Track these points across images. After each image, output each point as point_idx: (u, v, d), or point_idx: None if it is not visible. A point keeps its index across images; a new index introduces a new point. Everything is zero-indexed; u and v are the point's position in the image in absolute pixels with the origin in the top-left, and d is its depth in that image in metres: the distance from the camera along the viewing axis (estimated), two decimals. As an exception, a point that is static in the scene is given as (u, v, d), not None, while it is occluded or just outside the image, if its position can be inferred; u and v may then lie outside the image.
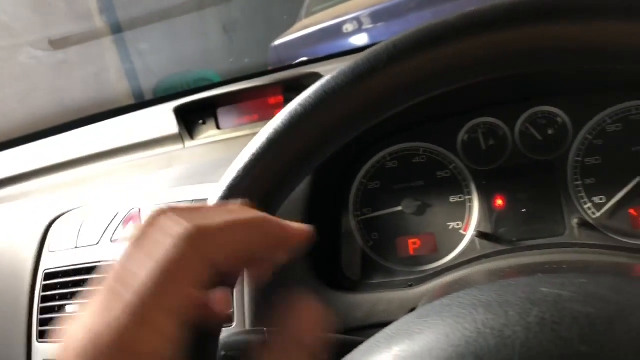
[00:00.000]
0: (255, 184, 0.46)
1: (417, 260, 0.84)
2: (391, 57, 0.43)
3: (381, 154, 0.89)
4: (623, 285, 0.40)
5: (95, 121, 1.23)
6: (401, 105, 0.46)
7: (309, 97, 0.45)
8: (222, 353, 0.61)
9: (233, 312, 0.78)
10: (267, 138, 0.45)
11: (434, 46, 0.42)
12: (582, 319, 0.34)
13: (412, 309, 0.75)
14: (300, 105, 0.45)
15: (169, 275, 0.30)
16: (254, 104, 1.06)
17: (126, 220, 0.88)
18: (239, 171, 0.46)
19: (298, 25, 2.34)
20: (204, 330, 0.45)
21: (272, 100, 1.05)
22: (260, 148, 0.46)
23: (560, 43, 0.39)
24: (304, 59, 1.55)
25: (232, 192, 0.45)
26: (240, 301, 0.77)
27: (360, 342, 0.54)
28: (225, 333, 0.62)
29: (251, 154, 0.46)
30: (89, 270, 0.88)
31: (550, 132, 0.82)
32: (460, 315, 0.40)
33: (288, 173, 0.46)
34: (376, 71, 0.43)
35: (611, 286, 0.40)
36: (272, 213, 0.48)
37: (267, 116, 1.04)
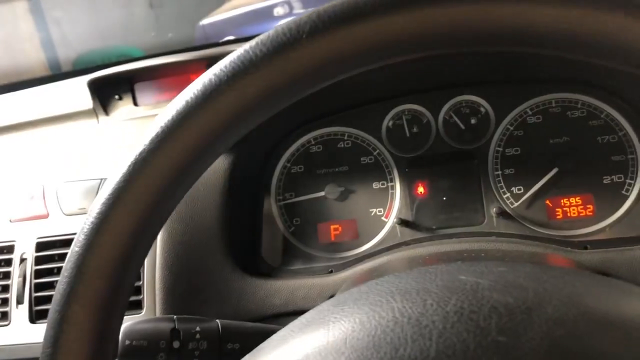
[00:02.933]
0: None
1: (338, 247, 0.83)
2: (314, 28, 0.40)
3: (306, 137, 0.86)
4: (540, 273, 0.39)
5: (3, 92, 1.14)
6: (323, 82, 0.43)
7: (225, 67, 0.41)
8: (127, 342, 0.57)
9: (143, 298, 0.74)
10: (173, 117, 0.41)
11: (365, 17, 0.39)
12: (501, 308, 0.33)
13: (332, 296, 0.73)
14: (215, 76, 0.41)
15: None
16: (175, 80, 1.01)
17: (28, 198, 0.82)
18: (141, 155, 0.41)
19: (227, 4, 2.27)
20: (102, 316, 0.41)
21: (194, 77, 0.99)
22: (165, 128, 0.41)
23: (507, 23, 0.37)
24: (232, 37, 1.50)
25: (132, 180, 0.41)
26: (150, 286, 0.73)
27: (275, 330, 0.51)
28: (132, 320, 0.59)
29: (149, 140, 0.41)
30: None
31: (473, 121, 0.82)
32: (377, 303, 0.39)
33: (193, 160, 0.42)
34: (297, 42, 0.40)
35: (528, 274, 0.39)
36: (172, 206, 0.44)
37: (188, 93, 0.99)
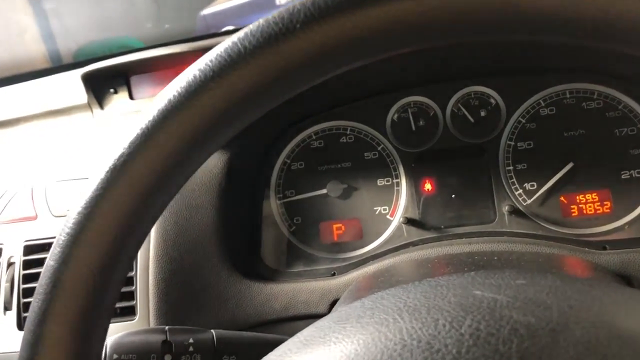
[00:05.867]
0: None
1: (341, 247, 0.79)
2: (309, 17, 0.35)
3: (306, 132, 0.83)
4: (563, 287, 0.36)
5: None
6: (319, 77, 0.39)
7: (210, 61, 0.37)
8: (115, 356, 0.53)
9: (136, 304, 0.70)
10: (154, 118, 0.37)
11: (365, 3, 0.35)
12: (522, 329, 0.30)
13: (335, 301, 0.70)
14: (199, 71, 0.37)
15: None
16: (172, 72, 0.98)
17: (16, 199, 0.78)
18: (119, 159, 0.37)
19: (229, -6, 2.24)
20: (82, 334, 0.37)
21: (191, 69, 0.97)
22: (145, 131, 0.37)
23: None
24: (231, 27, 1.47)
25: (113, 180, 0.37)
26: (143, 292, 0.70)
27: (274, 341, 0.48)
28: (122, 332, 0.55)
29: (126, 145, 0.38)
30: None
31: (482, 114, 0.78)
32: (382, 322, 0.35)
33: (176, 164, 0.38)
34: (290, 33, 0.36)
35: (551, 289, 0.35)
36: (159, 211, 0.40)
37: (185, 87, 0.96)
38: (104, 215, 0.37)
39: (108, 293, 0.39)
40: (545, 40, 0.34)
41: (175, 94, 0.38)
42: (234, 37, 0.37)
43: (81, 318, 0.37)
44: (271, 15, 0.37)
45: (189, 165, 0.40)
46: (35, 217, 0.77)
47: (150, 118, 0.38)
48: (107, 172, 0.38)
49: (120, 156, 0.38)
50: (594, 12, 0.32)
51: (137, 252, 0.41)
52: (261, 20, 0.37)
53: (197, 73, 0.37)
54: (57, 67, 1.16)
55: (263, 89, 0.38)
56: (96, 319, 0.38)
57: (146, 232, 0.41)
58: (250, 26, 0.36)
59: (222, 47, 0.37)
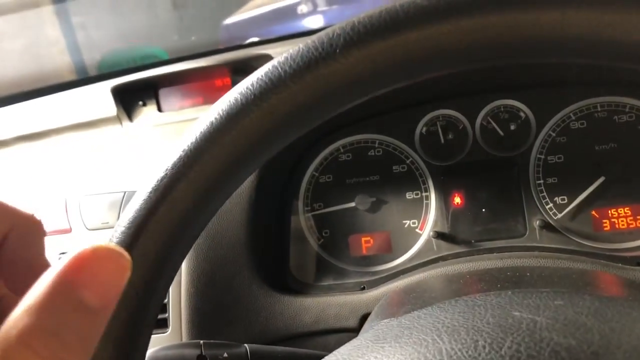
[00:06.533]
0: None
1: (370, 260, 0.79)
2: (349, 41, 0.36)
3: (334, 145, 0.83)
4: (603, 309, 0.35)
5: (27, 99, 1.13)
6: (357, 100, 0.39)
7: (252, 85, 0.38)
8: (152, 372, 0.54)
9: (168, 317, 0.71)
10: (199, 137, 0.38)
11: (404, 29, 0.35)
12: (563, 352, 0.30)
13: (365, 315, 0.70)
14: (241, 95, 0.38)
15: None
16: (199, 85, 0.99)
17: (51, 212, 0.80)
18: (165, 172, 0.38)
19: (251, 3, 2.25)
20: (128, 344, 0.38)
21: (218, 82, 0.97)
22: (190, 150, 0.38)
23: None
24: (255, 39, 1.47)
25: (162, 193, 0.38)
26: (176, 305, 0.71)
27: (307, 356, 0.48)
28: (157, 347, 0.56)
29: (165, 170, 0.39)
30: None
31: (512, 127, 0.78)
32: (421, 343, 0.35)
33: (217, 186, 0.39)
34: (330, 57, 0.36)
35: (590, 310, 0.35)
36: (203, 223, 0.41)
37: (212, 99, 0.97)
38: (148, 235, 0.38)
39: (150, 310, 0.40)
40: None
41: (217, 116, 0.38)
42: (275, 61, 0.38)
43: (125, 335, 0.38)
44: (310, 39, 0.37)
45: (228, 187, 0.41)
46: (69, 230, 0.78)
47: (193, 140, 0.38)
48: (150, 192, 0.38)
49: (163, 177, 0.38)
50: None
51: (177, 271, 0.41)
52: (301, 45, 0.37)
53: (238, 97, 0.38)
54: (83, 79, 1.18)
55: (302, 112, 0.38)
56: (138, 335, 0.39)
57: (185, 252, 0.42)
58: (290, 50, 0.37)
59: (263, 70, 0.38)
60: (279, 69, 0.37)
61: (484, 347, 0.32)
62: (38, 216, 0.29)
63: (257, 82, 0.38)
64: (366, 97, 0.40)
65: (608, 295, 0.51)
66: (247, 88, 0.38)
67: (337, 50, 0.36)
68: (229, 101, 0.38)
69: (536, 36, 0.33)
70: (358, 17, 0.37)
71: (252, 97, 0.37)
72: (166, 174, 0.38)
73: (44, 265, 0.29)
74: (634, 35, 0.31)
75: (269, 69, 0.38)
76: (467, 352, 0.32)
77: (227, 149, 0.38)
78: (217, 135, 0.38)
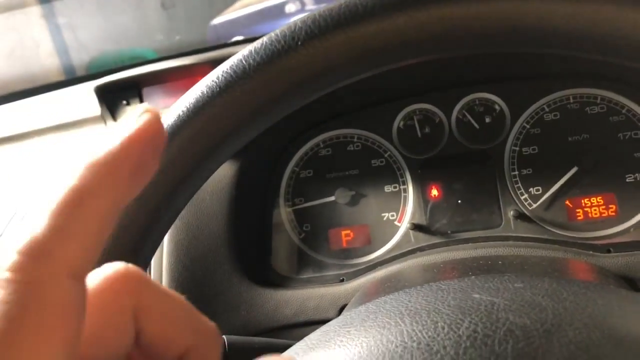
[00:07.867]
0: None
1: (350, 253, 0.80)
2: (310, 34, 0.37)
3: (314, 140, 0.84)
4: (559, 290, 0.37)
5: (11, 100, 1.13)
6: (322, 90, 0.41)
7: (217, 78, 0.39)
8: None
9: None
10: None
11: (364, 20, 0.36)
12: (517, 331, 0.31)
13: (344, 306, 0.71)
14: (207, 87, 0.39)
15: None
16: (183, 83, 0.99)
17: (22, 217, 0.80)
18: None
19: (239, 3, 2.25)
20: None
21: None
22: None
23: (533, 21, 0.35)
24: (240, 37, 1.48)
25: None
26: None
27: (285, 345, 0.49)
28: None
29: None
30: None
31: (487, 120, 0.79)
32: (385, 326, 0.36)
33: (185, 175, 0.40)
34: (292, 50, 0.37)
35: (547, 291, 0.36)
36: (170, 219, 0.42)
37: (195, 98, 0.98)
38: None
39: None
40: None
41: (184, 109, 0.39)
42: (239, 54, 0.39)
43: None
44: (274, 33, 0.38)
45: (199, 177, 0.42)
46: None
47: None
48: None
49: None
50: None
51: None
52: (265, 38, 0.38)
53: (204, 89, 0.39)
54: (70, 79, 1.18)
55: (268, 102, 0.39)
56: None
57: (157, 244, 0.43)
58: (255, 44, 0.38)
59: (229, 63, 0.39)
60: (244, 61, 0.39)
61: (443, 327, 0.33)
62: (218, 332, 0.27)
63: (222, 75, 0.39)
64: (331, 88, 0.41)
65: (567, 278, 0.52)
66: (212, 81, 0.39)
67: (299, 43, 0.37)
68: (196, 94, 0.39)
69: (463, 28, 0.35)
70: (319, 11, 0.38)
71: (218, 89, 0.39)
72: None
73: None
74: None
75: (234, 62, 0.39)
76: (427, 333, 0.33)
77: (193, 140, 0.39)
78: (182, 126, 0.39)
